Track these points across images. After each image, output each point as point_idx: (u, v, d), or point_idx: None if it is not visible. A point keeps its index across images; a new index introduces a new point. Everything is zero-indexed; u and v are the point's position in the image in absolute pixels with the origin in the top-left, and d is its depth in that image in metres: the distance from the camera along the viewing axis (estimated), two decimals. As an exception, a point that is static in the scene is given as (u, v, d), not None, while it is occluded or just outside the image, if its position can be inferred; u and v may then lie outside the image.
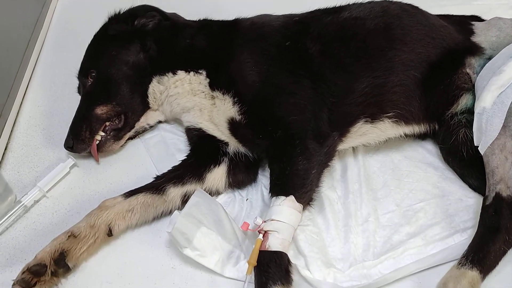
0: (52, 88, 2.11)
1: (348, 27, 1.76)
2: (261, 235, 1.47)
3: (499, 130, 1.59)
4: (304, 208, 1.57)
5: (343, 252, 1.56)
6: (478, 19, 2.02)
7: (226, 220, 1.52)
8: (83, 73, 1.84)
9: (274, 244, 1.43)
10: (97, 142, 1.80)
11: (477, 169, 1.64)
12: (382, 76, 1.68)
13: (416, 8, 1.86)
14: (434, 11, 2.07)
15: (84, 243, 1.51)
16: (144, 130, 1.93)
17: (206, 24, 1.87)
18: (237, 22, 1.86)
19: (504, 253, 1.46)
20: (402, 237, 1.59)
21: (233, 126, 1.68)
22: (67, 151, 1.81)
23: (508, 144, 1.59)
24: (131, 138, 1.91)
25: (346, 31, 1.75)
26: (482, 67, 1.77)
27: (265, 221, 1.48)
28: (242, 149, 1.74)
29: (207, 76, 1.74)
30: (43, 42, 2.33)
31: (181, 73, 1.77)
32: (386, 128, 1.72)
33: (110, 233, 1.56)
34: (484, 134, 1.61)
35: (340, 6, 1.88)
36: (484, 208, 1.54)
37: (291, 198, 1.50)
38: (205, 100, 1.73)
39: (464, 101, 1.76)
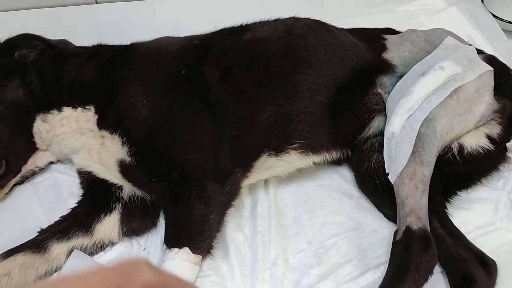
0: None
1: (250, 51, 1.62)
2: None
3: (408, 157, 1.49)
4: (203, 257, 1.43)
5: (248, 303, 1.42)
6: (392, 31, 1.91)
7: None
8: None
9: None
10: (-27, 192, 1.58)
11: (391, 197, 1.54)
12: (286, 103, 1.55)
13: (324, 25, 1.74)
14: (356, 21, 1.97)
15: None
16: (33, 174, 1.73)
17: (97, 51, 1.69)
18: (132, 48, 1.68)
19: (414, 293, 1.36)
20: (312, 280, 1.47)
21: (124, 168, 1.51)
22: None
23: (418, 171, 1.49)
24: (18, 183, 1.70)
25: (247, 55, 1.61)
26: (394, 86, 1.67)
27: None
28: (138, 192, 1.58)
29: (96, 112, 1.56)
30: None
31: (67, 110, 1.59)
32: (293, 160, 1.59)
33: (-21, 304, 1.37)
34: (394, 162, 1.51)
35: (244, 26, 1.74)
36: (394, 243, 1.44)
37: (186, 250, 1.36)
38: (93, 140, 1.56)
39: (376, 124, 1.66)
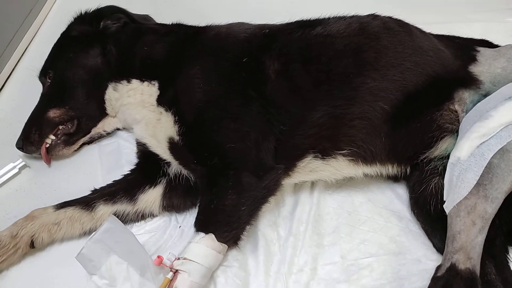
0: (32, 84, 2.06)
1: (315, 46, 1.55)
2: (171, 273, 1.35)
3: (470, 188, 1.33)
4: (230, 247, 1.42)
5: (265, 304, 1.40)
6: (489, 44, 1.70)
7: (139, 251, 1.43)
8: (42, 73, 1.79)
9: (181, 286, 1.32)
10: (47, 145, 1.74)
11: (443, 228, 1.39)
12: (342, 106, 1.47)
13: (405, 25, 1.59)
14: (457, 27, 1.78)
15: (4, 252, 1.48)
16: (101, 136, 1.85)
17: (172, 30, 1.74)
18: (203, 31, 1.71)
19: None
20: (336, 296, 1.39)
21: (173, 146, 1.55)
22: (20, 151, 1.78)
23: (479, 206, 1.32)
24: (87, 143, 1.84)
25: (311, 51, 1.54)
26: (474, 105, 1.49)
27: (178, 258, 1.36)
28: (184, 171, 1.61)
29: (159, 88, 1.62)
30: (35, 34, 2.31)
31: (135, 82, 1.67)
32: (340, 167, 1.50)
33: (32, 245, 1.51)
34: (453, 190, 1.36)
35: (319, 20, 1.66)
36: (434, 279, 1.31)
37: (211, 236, 1.36)
38: (152, 114, 1.62)
39: (445, 146, 1.50)
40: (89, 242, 1.39)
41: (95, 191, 1.62)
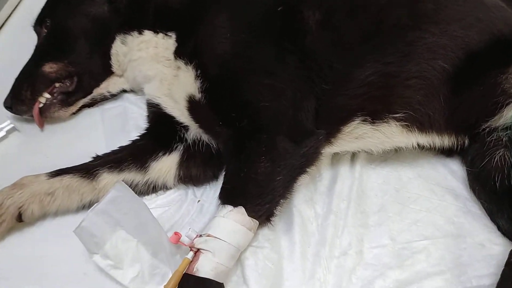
0: (27, 36, 1.78)
1: None
2: (191, 253, 1.11)
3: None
4: (261, 224, 1.19)
5: (303, 291, 1.16)
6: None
7: (152, 226, 1.18)
8: (38, 22, 1.54)
9: (204, 268, 1.08)
10: (41, 105, 1.49)
11: (512, 207, 1.17)
12: (396, 63, 1.25)
13: None
14: None
15: (-15, 226, 1.22)
16: (104, 98, 1.61)
17: None
18: None
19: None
20: (388, 283, 1.18)
21: (193, 106, 1.32)
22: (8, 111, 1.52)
23: None
24: (88, 105, 1.60)
25: None
26: (545, 69, 1.28)
27: (200, 236, 1.12)
28: (204, 136, 1.37)
29: (176, 40, 1.38)
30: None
31: (148, 34, 1.43)
32: (392, 134, 1.28)
33: (20, 218, 1.26)
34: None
35: None
36: (509, 265, 1.09)
37: (240, 210, 1.13)
38: (167, 70, 1.39)
39: (510, 113, 1.28)
40: (91, 213, 1.15)
41: (97, 158, 1.38)
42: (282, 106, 1.23)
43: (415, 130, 1.28)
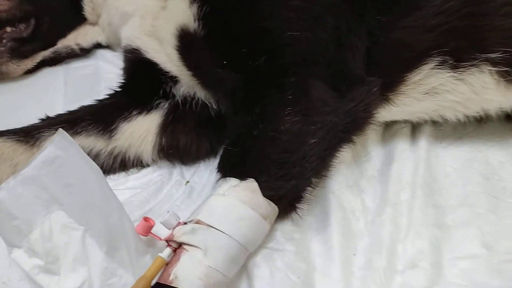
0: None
1: None
2: (168, 250, 0.67)
3: None
4: (281, 214, 0.75)
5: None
6: None
7: (109, 207, 0.73)
8: None
9: (187, 274, 0.67)
10: (-16, 56, 1.10)
11: None
12: None
13: None
14: None
15: None
16: (71, 54, 1.21)
17: None
18: None
19: None
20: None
21: (185, 43, 0.92)
22: None
23: None
24: (49, 62, 1.20)
25: None
26: None
27: (184, 223, 0.68)
28: (200, 92, 0.95)
29: None
30: None
31: None
32: (484, 86, 0.87)
33: None
34: None
35: None
36: None
37: (251, 185, 0.72)
38: (153, 1, 0.99)
39: None
40: (12, 181, 0.73)
41: (46, 119, 0.96)
42: (319, 38, 0.84)
43: (517, 83, 0.85)
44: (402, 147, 0.96)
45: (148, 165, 0.96)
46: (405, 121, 0.99)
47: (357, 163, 0.94)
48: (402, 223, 0.83)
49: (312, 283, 0.76)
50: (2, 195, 0.72)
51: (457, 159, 0.95)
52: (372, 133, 0.99)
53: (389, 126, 1.00)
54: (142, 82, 1.01)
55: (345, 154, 0.92)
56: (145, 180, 0.94)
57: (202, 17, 0.88)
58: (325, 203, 0.86)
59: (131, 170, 0.96)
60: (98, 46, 1.23)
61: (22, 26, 1.14)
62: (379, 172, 0.93)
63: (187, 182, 0.92)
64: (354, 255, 0.80)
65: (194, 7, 0.89)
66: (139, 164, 0.96)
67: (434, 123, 0.99)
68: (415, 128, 1.00)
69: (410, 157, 0.94)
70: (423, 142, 0.97)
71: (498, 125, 0.99)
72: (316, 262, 0.78)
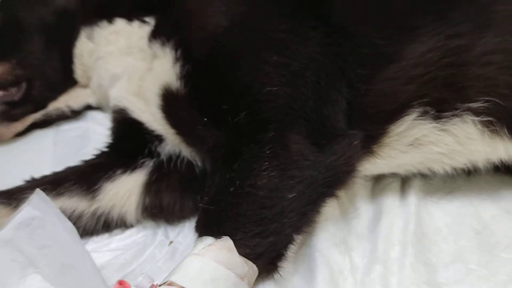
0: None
1: None
2: (142, 315, 0.64)
3: None
4: (261, 274, 0.72)
5: None
6: None
7: (83, 269, 0.72)
8: (-13, 18, 1.21)
9: None
10: (-25, 118, 1.11)
11: None
12: (467, 34, 0.86)
13: None
14: None
15: None
16: (62, 116, 1.22)
17: None
18: None
19: None
20: None
21: (168, 102, 0.93)
22: None
23: None
24: (40, 125, 1.21)
25: None
26: None
27: (158, 285, 0.66)
28: (185, 151, 0.96)
29: (154, 25, 1.03)
30: None
31: (120, 23, 1.10)
32: (468, 137, 0.85)
33: None
34: None
35: None
36: None
37: (226, 243, 0.70)
38: (140, 63, 1.03)
39: None
40: (-13, 244, 0.70)
41: (30, 181, 0.96)
42: (299, 93, 0.84)
43: (504, 132, 0.84)
44: (391, 202, 0.94)
45: (132, 226, 0.94)
46: (394, 175, 0.98)
47: (345, 220, 0.92)
48: (393, 282, 0.80)
49: None
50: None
51: (448, 214, 0.93)
52: (360, 189, 0.97)
53: (378, 181, 0.99)
54: (128, 141, 1.02)
55: (332, 210, 0.91)
56: (128, 242, 0.92)
57: (184, 75, 0.90)
58: (311, 262, 0.83)
59: (115, 231, 0.94)
60: (89, 107, 1.24)
61: (13, 90, 1.15)
62: (368, 229, 0.90)
63: (171, 242, 0.90)
64: (343, 317, 0.76)
65: (177, 67, 0.91)
66: (123, 224, 0.94)
67: (423, 176, 0.98)
68: (404, 182, 0.98)
69: (400, 213, 0.92)
70: (413, 197, 0.95)
71: (488, 178, 0.98)
72: (303, 326, 0.74)
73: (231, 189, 0.75)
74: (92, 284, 0.72)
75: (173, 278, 0.67)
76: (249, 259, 0.71)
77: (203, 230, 0.74)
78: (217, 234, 0.71)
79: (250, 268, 0.71)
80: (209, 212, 0.76)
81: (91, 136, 1.18)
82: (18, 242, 0.72)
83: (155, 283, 0.69)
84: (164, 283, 0.68)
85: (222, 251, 0.69)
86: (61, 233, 0.74)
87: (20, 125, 1.18)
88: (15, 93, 1.16)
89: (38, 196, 0.75)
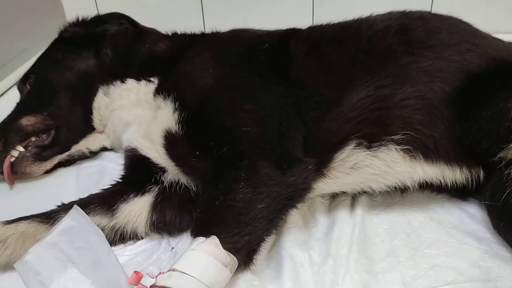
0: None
1: (349, 27, 1.30)
2: (152, 293, 0.90)
3: None
4: (241, 265, 0.98)
5: None
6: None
7: (109, 265, 0.97)
8: (22, 80, 1.52)
9: None
10: (12, 159, 1.38)
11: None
12: (389, 86, 1.16)
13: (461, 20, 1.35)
14: None
15: None
16: (82, 156, 1.50)
17: (175, 33, 1.51)
18: (212, 32, 1.48)
19: None
20: (405, 337, 0.90)
21: (169, 141, 1.21)
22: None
23: None
24: (64, 164, 1.48)
25: (345, 31, 1.29)
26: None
27: (163, 272, 0.91)
28: (182, 178, 1.23)
29: (158, 84, 1.33)
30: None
31: (130, 82, 1.40)
32: (393, 161, 1.13)
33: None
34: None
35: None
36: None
37: (213, 240, 0.95)
38: (147, 112, 1.32)
39: (528, 140, 1.13)
40: (38, 245, 0.96)
41: (62, 205, 1.22)
42: (266, 131, 1.12)
43: (419, 157, 1.13)
44: (343, 214, 1.21)
45: (142, 237, 1.20)
46: (345, 194, 1.25)
47: (306, 228, 1.18)
48: (341, 272, 1.05)
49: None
50: (30, 257, 0.94)
51: (386, 222, 1.19)
52: (319, 205, 1.25)
53: (333, 199, 1.26)
54: (138, 173, 1.28)
55: (296, 220, 1.18)
56: (139, 250, 1.17)
57: (181, 121, 1.18)
58: (279, 258, 1.08)
59: (129, 242, 1.19)
60: (104, 149, 1.52)
61: (44, 136, 1.44)
62: (324, 234, 1.16)
63: (172, 248, 1.15)
64: (302, 297, 1.01)
65: (176, 115, 1.20)
66: (135, 236, 1.20)
67: (368, 194, 1.26)
68: (354, 199, 1.26)
69: (349, 221, 1.19)
70: (360, 210, 1.22)
71: (418, 194, 1.26)
72: (272, 303, 0.99)
73: (217, 202, 1.01)
74: (116, 275, 0.96)
75: (175, 266, 0.92)
76: (231, 253, 0.95)
77: (197, 232, 0.99)
78: (207, 234, 0.95)
79: (232, 259, 0.96)
80: (201, 219, 1.02)
81: (106, 172, 1.45)
82: (60, 244, 0.97)
83: (161, 271, 0.94)
84: (169, 270, 0.93)
85: (211, 246, 0.94)
86: (93, 237, 0.99)
87: (49, 164, 1.45)
88: (45, 139, 1.44)
89: (75, 210, 1.01)
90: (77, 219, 1.00)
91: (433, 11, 1.54)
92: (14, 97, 1.57)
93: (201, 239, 0.96)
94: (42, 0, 2.20)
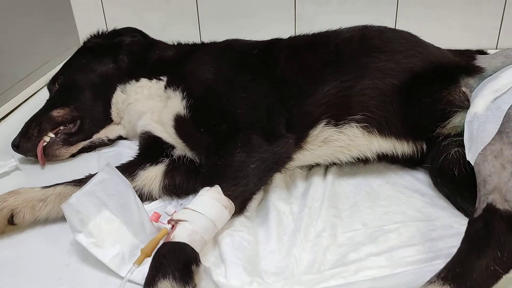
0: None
1: (321, 36, 1.65)
2: (169, 226, 1.18)
3: (492, 136, 1.26)
4: (236, 210, 1.27)
5: (279, 266, 1.19)
6: (485, 54, 1.79)
7: (134, 207, 1.26)
8: (52, 81, 1.82)
9: (180, 234, 1.14)
10: (44, 143, 1.67)
11: (473, 190, 1.27)
12: (352, 79, 1.49)
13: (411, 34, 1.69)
14: None
15: (-21, 223, 1.30)
16: (102, 144, 1.79)
17: (181, 43, 1.84)
18: (211, 42, 1.81)
19: (494, 274, 1.02)
20: (361, 256, 1.20)
21: (178, 123, 1.51)
22: (14, 152, 1.69)
23: (506, 152, 1.24)
24: (87, 150, 1.77)
25: (318, 39, 1.63)
26: (482, 86, 1.50)
27: (177, 211, 1.20)
28: (188, 153, 1.53)
29: (167, 81, 1.65)
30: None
31: (143, 81, 1.70)
32: (355, 136, 1.44)
33: (11, 221, 1.33)
34: (475, 142, 1.29)
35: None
36: (472, 221, 1.15)
37: (216, 189, 1.24)
38: (158, 103, 1.62)
39: (458, 119, 1.47)
40: (79, 193, 1.24)
41: (89, 175, 1.51)
42: (257, 113, 1.43)
43: (375, 132, 1.44)
44: (317, 180, 1.50)
45: (156, 199, 1.49)
46: (319, 166, 1.56)
47: (288, 190, 1.47)
48: (314, 217, 1.33)
49: (257, 249, 1.24)
50: (73, 200, 1.22)
51: (351, 185, 1.49)
52: (299, 175, 1.54)
53: (310, 170, 1.56)
54: (152, 149, 1.57)
55: (280, 183, 1.47)
56: (154, 207, 1.45)
57: (188, 106, 1.49)
58: (266, 209, 1.36)
59: (145, 202, 1.48)
60: (120, 138, 1.82)
61: (71, 125, 1.73)
62: (302, 194, 1.45)
63: (181, 204, 1.44)
64: (284, 234, 1.29)
65: (184, 102, 1.50)
66: (150, 198, 1.48)
67: (338, 165, 1.56)
68: (326, 169, 1.56)
69: (321, 185, 1.48)
70: (330, 177, 1.51)
71: (377, 165, 1.56)
72: (260, 237, 1.27)
73: (219, 163, 1.30)
74: (140, 216, 1.25)
75: (187, 206, 1.21)
76: (230, 199, 1.23)
77: (203, 184, 1.25)
78: (211, 185, 1.23)
79: (230, 204, 1.24)
80: (207, 175, 1.30)
81: (122, 156, 1.72)
82: (96, 192, 1.24)
83: (177, 210, 1.22)
84: (182, 209, 1.22)
85: (215, 193, 1.22)
86: (122, 187, 1.27)
87: (74, 149, 1.74)
88: (72, 127, 1.73)
89: (108, 166, 1.30)
90: (109, 173, 1.29)
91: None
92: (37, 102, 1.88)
93: (207, 188, 1.24)
94: (59, 22, 2.55)
